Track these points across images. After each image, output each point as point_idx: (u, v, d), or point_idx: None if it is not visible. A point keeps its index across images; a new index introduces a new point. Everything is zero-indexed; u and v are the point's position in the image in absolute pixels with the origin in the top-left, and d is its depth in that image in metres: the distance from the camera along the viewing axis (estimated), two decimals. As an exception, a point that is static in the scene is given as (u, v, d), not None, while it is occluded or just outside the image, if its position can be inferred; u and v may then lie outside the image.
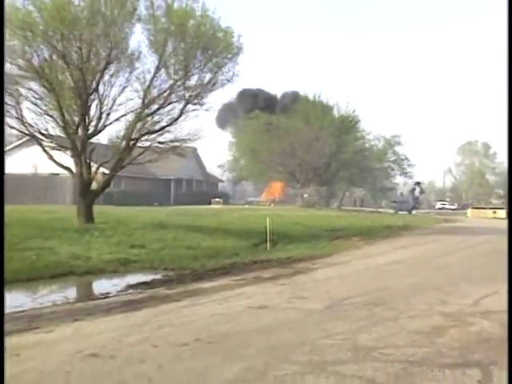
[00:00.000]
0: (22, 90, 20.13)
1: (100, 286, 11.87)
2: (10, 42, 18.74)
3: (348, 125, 61.87)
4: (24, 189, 37.27)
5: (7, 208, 26.12)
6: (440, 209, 79.43)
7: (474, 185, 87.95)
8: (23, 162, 38.02)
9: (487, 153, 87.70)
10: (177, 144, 22.97)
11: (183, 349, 6.30)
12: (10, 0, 18.42)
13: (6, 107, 19.91)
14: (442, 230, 31.58)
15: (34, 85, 20.12)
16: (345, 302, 9.26)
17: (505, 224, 41.32)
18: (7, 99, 19.67)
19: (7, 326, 7.45)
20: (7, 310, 9.14)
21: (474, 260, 16.41)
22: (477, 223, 41.40)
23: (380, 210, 65.37)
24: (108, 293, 10.57)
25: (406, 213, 58.40)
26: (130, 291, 10.59)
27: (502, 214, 53.79)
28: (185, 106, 21.72)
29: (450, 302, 9.44)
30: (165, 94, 21.01)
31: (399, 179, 76.45)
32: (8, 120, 20.55)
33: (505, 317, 8.33)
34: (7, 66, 19.51)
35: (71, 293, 11.36)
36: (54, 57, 19.45)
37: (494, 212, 56.13)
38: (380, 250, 19.02)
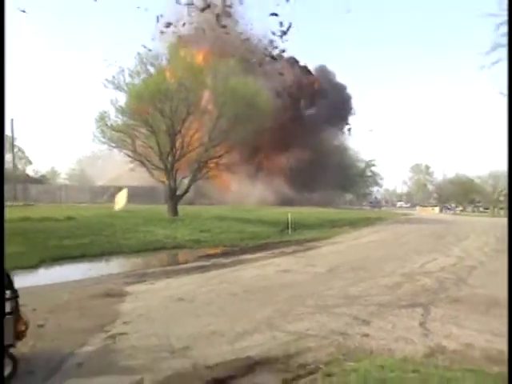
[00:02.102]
0: (136, 133, 20.71)
1: (182, 256, 12.11)
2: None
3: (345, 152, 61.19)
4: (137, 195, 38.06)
5: (129, 206, 25.81)
6: (399, 207, 78.69)
7: (420, 191, 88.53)
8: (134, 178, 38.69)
9: (428, 171, 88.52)
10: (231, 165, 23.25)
11: (235, 297, 6.43)
12: (129, 79, 19.33)
13: (125, 144, 20.58)
14: (401, 220, 31.20)
15: (142, 129, 20.69)
16: (340, 267, 9.23)
17: (438, 216, 41.47)
18: (127, 138, 20.34)
19: (129, 280, 7.78)
20: (128, 268, 9.50)
21: (421, 239, 16.26)
22: (422, 216, 40.93)
23: (364, 208, 64.71)
24: (187, 260, 10.82)
25: (377, 209, 58.13)
26: (201, 260, 10.79)
27: (437, 210, 55.82)
28: (235, 141, 21.90)
29: (405, 266, 9.38)
30: (223, 134, 21.26)
31: (374, 188, 77.98)
32: (126, 151, 21.20)
33: (439, 275, 8.30)
34: (125, 119, 20.23)
35: (164, 260, 11.64)
36: (155, 112, 19.98)
37: (432, 209, 57.55)
38: (362, 234, 18.76)
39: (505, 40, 12.62)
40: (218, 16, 40.34)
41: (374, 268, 9.16)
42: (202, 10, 41.37)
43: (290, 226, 18.37)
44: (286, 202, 46.43)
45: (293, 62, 51.88)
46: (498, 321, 5.19)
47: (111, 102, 20.11)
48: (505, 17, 12.25)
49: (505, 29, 12.50)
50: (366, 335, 4.64)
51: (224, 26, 40.41)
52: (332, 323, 5.05)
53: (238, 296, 6.46)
